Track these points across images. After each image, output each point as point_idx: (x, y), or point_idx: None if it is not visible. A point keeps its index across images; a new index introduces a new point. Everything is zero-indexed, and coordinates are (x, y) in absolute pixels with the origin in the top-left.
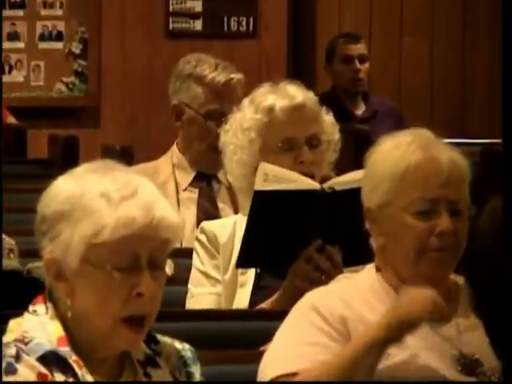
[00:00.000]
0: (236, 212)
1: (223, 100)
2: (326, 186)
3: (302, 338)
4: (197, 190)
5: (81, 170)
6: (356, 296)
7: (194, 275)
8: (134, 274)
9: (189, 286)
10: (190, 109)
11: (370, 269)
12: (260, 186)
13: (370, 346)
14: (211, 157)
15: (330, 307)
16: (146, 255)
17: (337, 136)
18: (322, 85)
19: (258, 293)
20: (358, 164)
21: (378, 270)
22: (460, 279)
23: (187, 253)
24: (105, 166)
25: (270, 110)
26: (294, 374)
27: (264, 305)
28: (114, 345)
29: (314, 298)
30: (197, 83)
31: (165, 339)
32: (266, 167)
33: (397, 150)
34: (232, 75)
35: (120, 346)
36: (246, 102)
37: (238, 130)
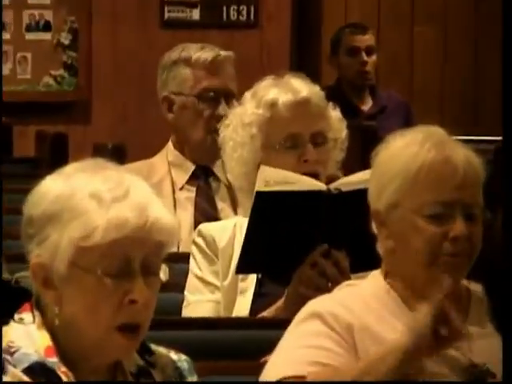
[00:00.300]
0: (236, 213)
1: (213, 78)
2: (332, 186)
3: (307, 342)
4: (194, 189)
5: (70, 169)
6: (361, 304)
7: (191, 281)
8: (127, 279)
9: (185, 293)
10: (181, 95)
11: (375, 276)
12: (261, 189)
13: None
14: (210, 143)
15: (335, 314)
16: (139, 260)
17: (344, 133)
18: (328, 78)
19: (260, 300)
20: (366, 162)
21: (385, 275)
22: (473, 285)
23: (184, 257)
24: (95, 164)
25: (273, 105)
26: (301, 377)
27: (266, 313)
28: (106, 353)
29: (317, 305)
30: (184, 66)
31: (160, 349)
32: (266, 172)
33: (409, 149)
34: (220, 52)
35: (112, 354)
36: (247, 95)
37: (239, 125)
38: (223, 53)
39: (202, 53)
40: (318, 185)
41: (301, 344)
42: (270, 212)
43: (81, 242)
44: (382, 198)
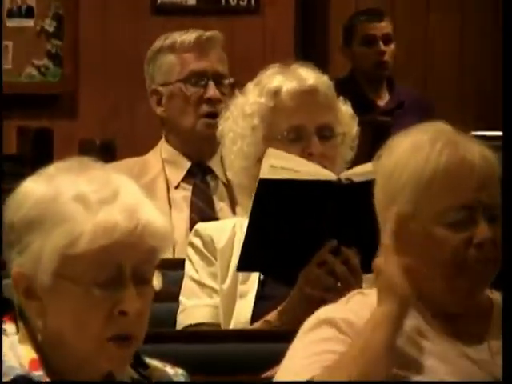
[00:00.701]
0: (236, 213)
1: (199, 59)
2: (342, 176)
3: (320, 347)
4: (190, 188)
5: (52, 169)
6: (369, 312)
7: (187, 285)
8: (117, 289)
9: (180, 297)
10: (168, 85)
11: None
12: (266, 175)
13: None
14: (202, 129)
15: (350, 321)
16: (130, 267)
17: (354, 130)
18: (337, 69)
19: (262, 303)
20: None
21: None
22: (495, 294)
23: (180, 264)
24: (80, 164)
25: (276, 93)
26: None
27: (269, 317)
28: (97, 365)
29: (328, 312)
30: (168, 53)
31: (155, 363)
32: (273, 155)
33: (418, 152)
34: (205, 32)
35: (104, 365)
36: (250, 85)
37: (239, 115)
38: (208, 33)
39: (185, 36)
40: (327, 174)
41: (314, 351)
42: (274, 203)
43: (66, 250)
44: (392, 210)
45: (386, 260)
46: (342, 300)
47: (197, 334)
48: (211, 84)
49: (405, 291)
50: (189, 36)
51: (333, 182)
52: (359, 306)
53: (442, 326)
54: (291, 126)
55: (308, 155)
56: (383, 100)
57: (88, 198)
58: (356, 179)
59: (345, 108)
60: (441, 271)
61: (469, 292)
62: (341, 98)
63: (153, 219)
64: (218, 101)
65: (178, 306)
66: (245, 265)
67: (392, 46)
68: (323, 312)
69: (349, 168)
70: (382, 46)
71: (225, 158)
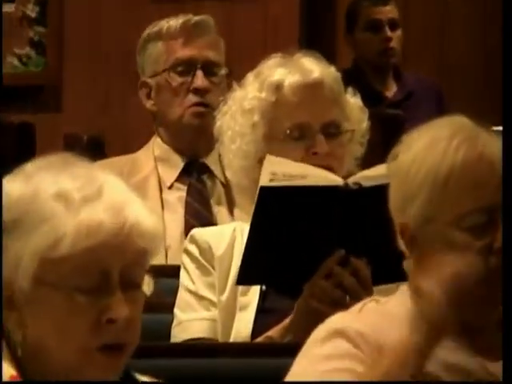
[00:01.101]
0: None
1: (186, 46)
2: (350, 181)
3: (331, 365)
4: (185, 188)
5: (31, 167)
6: (389, 324)
7: (182, 297)
8: (103, 295)
9: (175, 310)
10: (156, 76)
11: (404, 293)
12: (267, 183)
13: None
14: (190, 122)
15: (362, 332)
16: (117, 271)
17: (364, 125)
18: (345, 60)
19: (264, 318)
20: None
21: (415, 300)
22: None
23: (173, 271)
24: (62, 161)
25: (278, 87)
26: None
27: (271, 333)
28: (85, 376)
29: (338, 322)
30: (156, 41)
31: (146, 379)
32: (273, 163)
33: (434, 148)
34: (193, 17)
35: (92, 376)
36: (250, 77)
37: (238, 111)
38: (197, 17)
39: (172, 22)
40: (333, 179)
41: (324, 368)
42: (276, 211)
43: (46, 253)
44: (408, 212)
45: (431, 283)
46: (355, 308)
47: (193, 347)
48: (199, 73)
49: (447, 325)
50: (176, 21)
51: (339, 187)
52: (373, 316)
53: (463, 340)
54: (294, 124)
55: (312, 155)
56: (390, 91)
57: (70, 195)
58: (365, 183)
59: (353, 101)
60: (460, 281)
61: (490, 303)
62: (350, 89)
63: (141, 218)
64: (207, 91)
65: (172, 317)
66: (245, 277)
67: (398, 32)
68: (334, 321)
69: (359, 165)
70: (388, 32)
71: (223, 157)
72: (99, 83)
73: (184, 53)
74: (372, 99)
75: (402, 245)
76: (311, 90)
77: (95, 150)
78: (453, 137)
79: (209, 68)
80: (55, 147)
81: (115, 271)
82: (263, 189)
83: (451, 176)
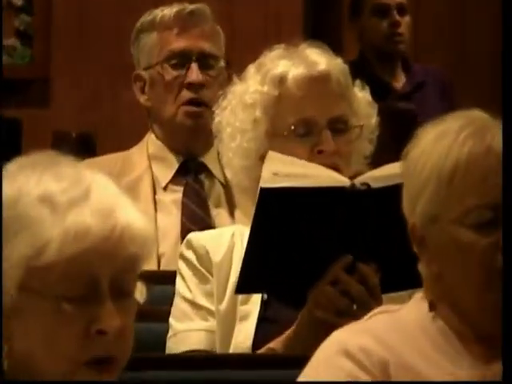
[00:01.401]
0: (235, 218)
1: (180, 37)
2: (357, 181)
3: None
4: (181, 189)
5: (13, 166)
6: (399, 337)
7: (178, 305)
8: (92, 304)
9: (170, 320)
10: (149, 68)
11: (418, 301)
12: (267, 184)
13: None
14: (183, 119)
15: (367, 349)
16: (107, 279)
17: (373, 120)
18: (351, 52)
19: (265, 328)
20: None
21: (431, 307)
22: None
23: (170, 277)
24: (47, 160)
25: (281, 81)
26: None
27: (273, 344)
28: None
29: (342, 337)
30: (148, 32)
31: None
32: (274, 161)
33: (441, 142)
34: (188, 6)
35: None
36: (251, 69)
37: (239, 106)
38: (193, 6)
39: (167, 10)
40: (339, 179)
41: None
42: (278, 214)
43: (32, 261)
44: (416, 210)
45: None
46: (363, 319)
47: (190, 359)
48: (194, 66)
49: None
50: (170, 10)
51: (346, 188)
52: (382, 327)
53: (475, 350)
54: (299, 119)
55: (318, 153)
56: (399, 82)
57: (55, 198)
58: (374, 184)
59: (362, 95)
60: (468, 282)
61: (499, 309)
62: (358, 82)
63: (132, 221)
64: (202, 86)
65: (167, 327)
66: (245, 285)
67: (407, 18)
68: (338, 338)
69: (369, 164)
70: (397, 16)
71: (222, 156)
72: (89, 76)
73: (178, 44)
74: (380, 91)
75: (414, 247)
76: (317, 83)
77: (85, 147)
78: (461, 130)
79: (204, 60)
80: (43, 145)
81: (105, 279)
82: (264, 190)
83: (456, 171)
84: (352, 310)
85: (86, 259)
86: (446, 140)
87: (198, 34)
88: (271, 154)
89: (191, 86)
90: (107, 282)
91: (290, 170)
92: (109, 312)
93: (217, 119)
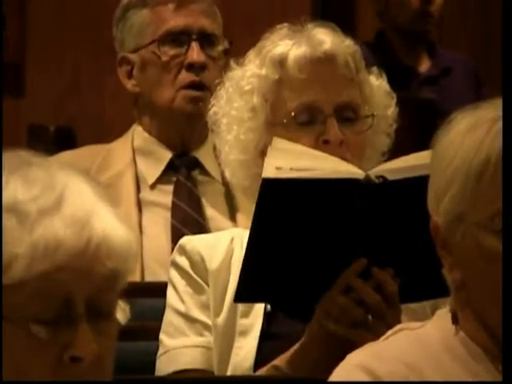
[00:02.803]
0: (235, 222)
1: (180, 14)
2: (372, 173)
3: None
4: (171, 188)
5: None
6: (424, 357)
7: (170, 319)
8: (66, 328)
9: (161, 336)
10: (140, 50)
11: (442, 316)
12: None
13: None
14: (183, 105)
15: (388, 369)
16: (83, 298)
17: (390, 111)
18: (366, 33)
19: (269, 344)
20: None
21: (454, 318)
22: None
23: (157, 289)
24: (15, 159)
25: (281, 62)
26: None
27: (278, 362)
28: None
29: (361, 358)
30: (140, 8)
31: None
32: (278, 151)
33: (472, 134)
34: None
35: None
36: (251, 53)
37: (235, 93)
38: None
39: None
40: (353, 170)
41: None
42: (282, 210)
43: None
44: (440, 208)
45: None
46: (381, 341)
47: (183, 381)
48: (194, 45)
49: None
50: None
51: (360, 180)
52: (405, 347)
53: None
54: (301, 104)
55: (323, 143)
56: (423, 66)
57: (23, 207)
58: (391, 177)
59: (378, 83)
60: (491, 294)
61: None
62: (374, 69)
63: (111, 232)
64: (203, 67)
65: (157, 347)
66: (245, 294)
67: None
68: (354, 358)
69: (386, 160)
70: None
71: (218, 151)
72: (67, 62)
73: (176, 22)
74: (401, 76)
75: (438, 250)
76: (321, 64)
77: (64, 143)
78: (494, 121)
79: (205, 39)
80: (16, 140)
81: (80, 299)
82: (267, 181)
83: (486, 169)
84: (367, 321)
85: (58, 277)
86: (477, 132)
87: (197, 9)
88: (276, 143)
89: (192, 67)
90: (82, 303)
91: (296, 163)
92: (84, 336)
93: (212, 110)
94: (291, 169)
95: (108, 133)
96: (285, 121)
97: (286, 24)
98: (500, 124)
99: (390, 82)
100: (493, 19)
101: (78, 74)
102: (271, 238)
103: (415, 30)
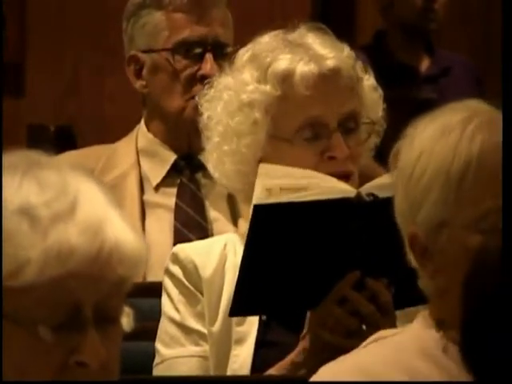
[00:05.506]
0: (237, 225)
1: (196, 23)
2: (363, 190)
3: None
4: (174, 191)
5: None
6: (399, 370)
7: (165, 329)
8: (73, 333)
9: (157, 345)
10: (152, 52)
11: (420, 320)
12: (261, 200)
13: None
14: (192, 116)
15: (382, 373)
16: (92, 304)
17: (380, 109)
18: (366, 33)
19: (264, 352)
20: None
21: (437, 324)
22: None
23: (158, 289)
24: (26, 160)
25: (286, 78)
26: None
27: (273, 370)
28: None
29: (324, 374)
30: (155, 10)
31: None
32: (267, 175)
33: (446, 139)
34: None
35: None
36: (243, 57)
37: (233, 104)
38: None
39: None
40: (343, 188)
41: None
42: (275, 231)
43: (8, 282)
44: (417, 218)
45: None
46: (357, 349)
47: (183, 381)
48: (209, 57)
49: None
50: None
51: (351, 199)
52: (375, 358)
53: None
54: (305, 120)
55: (329, 159)
56: (423, 65)
57: (37, 211)
58: (382, 194)
59: (368, 83)
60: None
61: None
62: (359, 64)
63: (122, 239)
64: None
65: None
66: (240, 307)
67: None
68: (327, 374)
69: (374, 156)
70: None
71: (208, 154)
72: (68, 62)
73: (193, 31)
74: (403, 75)
75: (412, 259)
76: (327, 81)
77: (64, 142)
78: (467, 122)
79: (219, 49)
80: (16, 140)
81: (88, 304)
82: (258, 207)
83: (468, 169)
84: (362, 330)
85: (69, 283)
86: (450, 137)
87: (213, 18)
88: (263, 168)
89: (205, 79)
90: (91, 308)
91: (286, 183)
92: (92, 342)
93: (206, 114)
94: (281, 189)
95: (108, 133)
96: (289, 137)
97: (279, 31)
98: (472, 126)
99: (390, 82)
100: (493, 19)
101: (78, 74)
102: (265, 258)
103: (418, 27)
